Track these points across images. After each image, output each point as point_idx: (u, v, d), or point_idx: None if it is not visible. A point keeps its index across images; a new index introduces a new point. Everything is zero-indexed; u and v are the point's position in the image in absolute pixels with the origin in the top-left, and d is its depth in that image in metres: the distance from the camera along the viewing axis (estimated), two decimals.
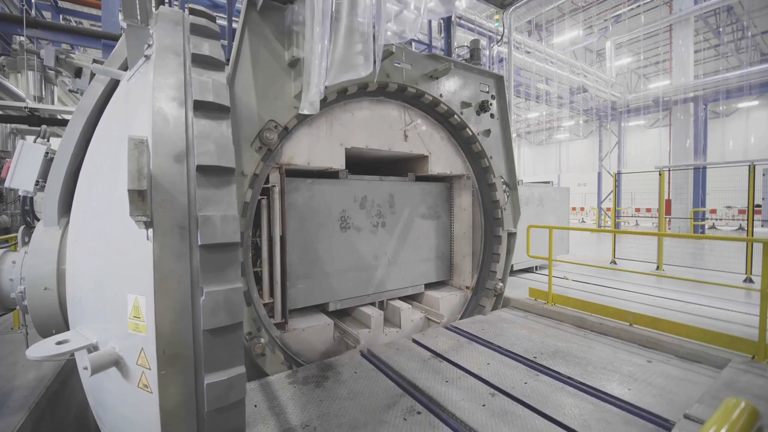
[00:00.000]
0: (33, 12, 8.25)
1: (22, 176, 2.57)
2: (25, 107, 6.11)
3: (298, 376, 3.19)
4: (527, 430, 2.42)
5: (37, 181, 2.57)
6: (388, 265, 4.51)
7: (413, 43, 9.60)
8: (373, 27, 2.77)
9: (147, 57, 1.83)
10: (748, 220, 7.60)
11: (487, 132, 4.76)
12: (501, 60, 15.16)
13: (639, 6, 16.74)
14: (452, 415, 2.58)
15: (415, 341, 3.91)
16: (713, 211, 17.26)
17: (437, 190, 5.03)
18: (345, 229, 4.13)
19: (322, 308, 4.16)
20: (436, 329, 4.32)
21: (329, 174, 4.08)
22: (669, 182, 14.88)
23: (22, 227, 2.58)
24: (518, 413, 2.60)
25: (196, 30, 1.84)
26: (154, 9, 2.15)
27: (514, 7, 8.82)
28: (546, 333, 4.15)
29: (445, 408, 2.67)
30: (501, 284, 4.92)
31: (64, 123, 6.01)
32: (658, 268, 7.84)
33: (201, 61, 1.76)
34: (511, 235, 4.98)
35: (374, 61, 2.75)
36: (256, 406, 2.71)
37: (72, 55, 5.96)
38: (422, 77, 4.14)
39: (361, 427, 2.46)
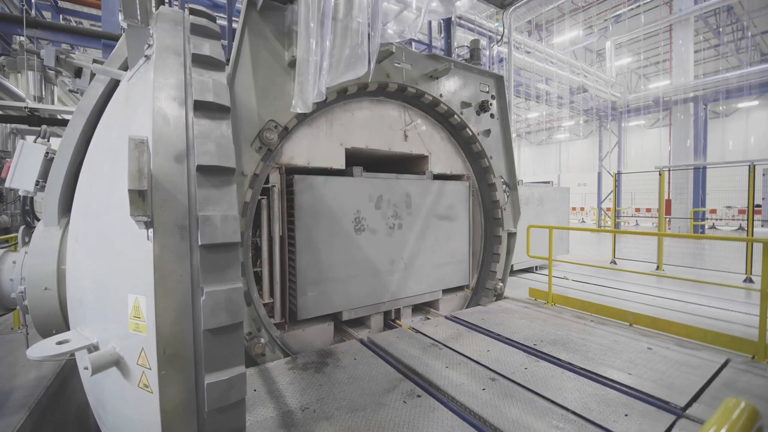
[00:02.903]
0: (33, 12, 8.25)
1: (22, 176, 2.57)
2: (25, 107, 6.11)
3: (297, 362, 3.21)
4: (527, 412, 2.43)
5: (37, 181, 2.57)
6: (405, 269, 4.26)
7: (413, 43, 9.61)
8: (368, 26, 2.78)
9: (147, 57, 1.83)
10: (748, 220, 7.61)
11: (487, 132, 4.77)
12: (501, 60, 15.17)
13: (639, 6, 16.75)
14: (452, 398, 2.60)
15: (415, 330, 3.92)
16: (713, 211, 17.27)
17: (456, 189, 4.75)
18: (359, 232, 3.87)
19: (334, 317, 3.92)
20: (436, 319, 4.33)
21: (343, 171, 3.92)
22: (669, 182, 14.88)
23: (22, 227, 2.58)
24: (518, 396, 2.61)
25: (197, 30, 1.84)
26: (154, 9, 2.15)
27: (514, 7, 8.82)
28: (546, 322, 4.15)
29: (445, 391, 2.68)
30: (501, 284, 4.92)
31: (64, 123, 6.01)
32: (658, 268, 7.85)
33: (201, 61, 1.76)
34: (511, 235, 4.98)
35: (369, 61, 2.75)
36: (255, 390, 2.73)
37: (72, 55, 5.95)
38: (422, 77, 4.14)
39: (361, 409, 2.48)
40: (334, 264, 3.70)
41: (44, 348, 1.65)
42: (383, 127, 4.07)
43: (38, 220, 2.73)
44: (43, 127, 4.00)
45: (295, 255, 3.40)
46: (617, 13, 17.32)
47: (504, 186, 4.91)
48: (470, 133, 4.59)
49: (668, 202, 14.51)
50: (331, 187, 3.68)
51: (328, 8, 2.69)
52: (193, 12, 1.93)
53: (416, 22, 3.09)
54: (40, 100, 7.63)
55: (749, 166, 7.61)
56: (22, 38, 7.15)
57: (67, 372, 3.53)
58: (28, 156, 2.59)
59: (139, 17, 1.89)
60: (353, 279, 3.85)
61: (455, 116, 4.46)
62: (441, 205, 4.58)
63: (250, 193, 3.10)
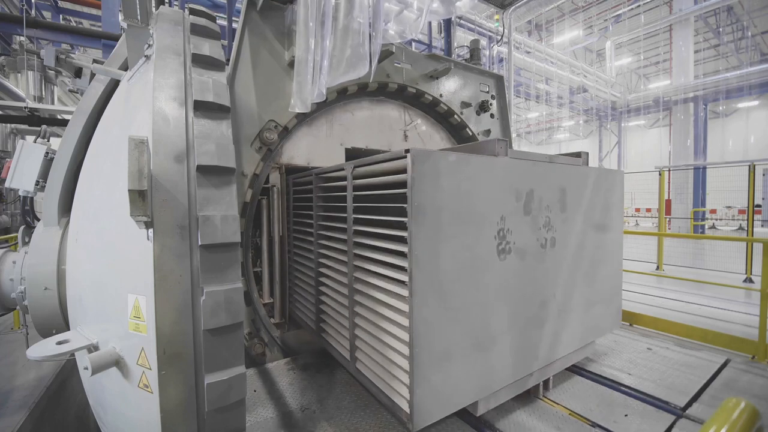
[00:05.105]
0: (33, 12, 8.26)
1: (22, 176, 2.57)
2: (25, 107, 6.12)
3: (297, 362, 3.22)
4: (527, 412, 2.44)
5: (37, 181, 2.57)
6: (558, 315, 2.60)
7: (413, 43, 9.61)
8: (369, 26, 2.78)
9: (147, 57, 1.83)
10: (748, 220, 7.61)
11: (487, 132, 4.77)
12: (501, 60, 15.16)
13: (639, 6, 16.76)
14: None
15: None
16: (713, 211, 17.26)
17: (613, 181, 3.09)
18: (504, 254, 2.21)
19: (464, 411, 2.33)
20: None
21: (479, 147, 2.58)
22: (669, 182, 14.89)
23: (22, 227, 2.58)
24: (518, 396, 2.61)
25: (197, 30, 1.84)
26: (154, 9, 2.15)
27: (514, 7, 8.81)
28: None
29: None
30: None
31: (64, 123, 6.01)
32: (658, 268, 7.85)
33: (201, 61, 1.77)
34: None
35: (370, 62, 2.75)
36: (255, 390, 2.74)
37: (72, 55, 5.97)
38: (422, 77, 4.14)
39: (361, 409, 2.49)
40: (470, 318, 2.05)
41: (44, 348, 1.65)
42: (383, 127, 4.06)
43: (38, 220, 2.73)
44: (43, 127, 3.99)
45: (412, 303, 1.79)
46: (617, 13, 17.33)
47: None
48: (470, 133, 4.59)
49: (668, 202, 14.52)
50: (466, 174, 2.02)
51: (328, 8, 2.68)
52: (193, 12, 1.94)
53: (417, 23, 3.09)
54: (40, 100, 7.64)
55: (749, 166, 7.62)
56: (22, 38, 7.16)
57: (66, 372, 3.53)
58: (28, 156, 2.59)
59: (139, 17, 1.89)
60: (494, 341, 2.19)
61: (455, 116, 4.45)
62: (598, 207, 2.93)
63: (250, 193, 3.10)
